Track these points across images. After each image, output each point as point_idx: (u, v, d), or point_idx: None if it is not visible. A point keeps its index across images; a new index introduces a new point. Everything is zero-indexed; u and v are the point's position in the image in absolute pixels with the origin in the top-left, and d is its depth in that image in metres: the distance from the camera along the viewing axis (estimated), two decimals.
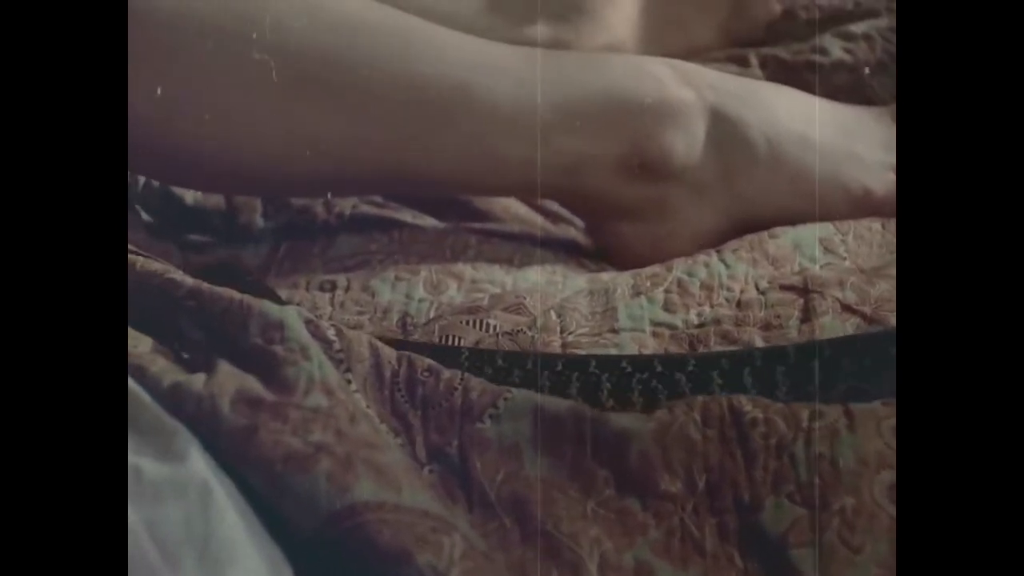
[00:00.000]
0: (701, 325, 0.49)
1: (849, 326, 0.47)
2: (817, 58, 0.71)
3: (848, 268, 0.52)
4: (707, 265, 0.53)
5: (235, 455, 0.39)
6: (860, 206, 0.58)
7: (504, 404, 0.42)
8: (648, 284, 0.51)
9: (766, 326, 0.48)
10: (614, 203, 0.59)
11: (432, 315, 0.53)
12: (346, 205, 0.65)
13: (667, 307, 0.50)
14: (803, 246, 0.54)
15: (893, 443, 0.40)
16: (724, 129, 0.58)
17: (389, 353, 0.44)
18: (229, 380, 0.41)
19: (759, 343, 0.47)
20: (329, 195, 0.64)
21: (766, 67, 0.73)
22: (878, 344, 0.44)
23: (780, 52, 0.73)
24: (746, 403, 0.41)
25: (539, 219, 0.66)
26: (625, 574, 0.39)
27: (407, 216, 0.64)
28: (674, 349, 0.48)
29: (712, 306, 0.50)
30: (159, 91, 0.53)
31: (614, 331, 0.49)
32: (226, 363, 0.42)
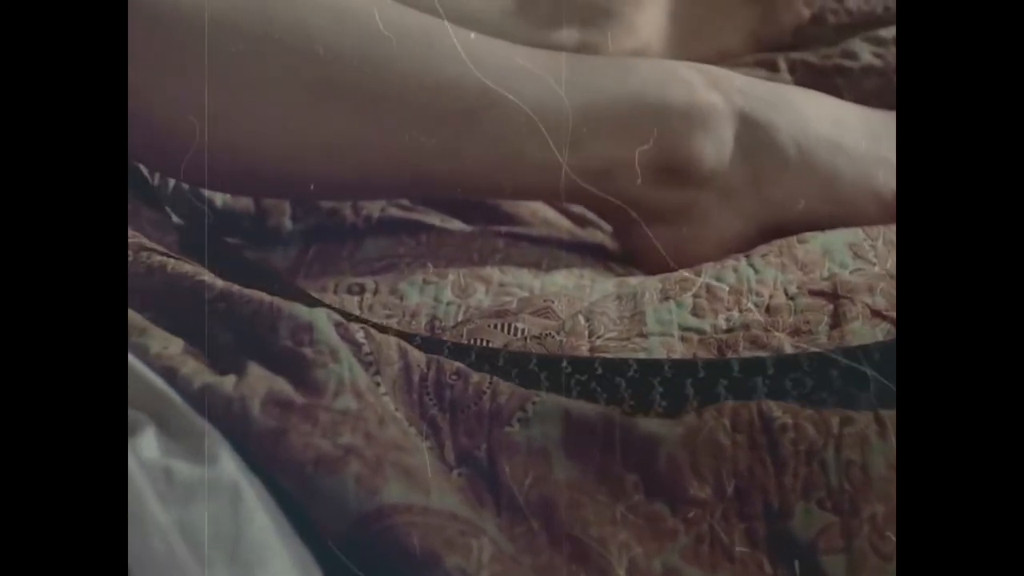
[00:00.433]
0: (730, 330, 0.49)
1: (879, 332, 0.47)
2: (846, 63, 0.71)
3: (878, 274, 0.52)
4: (736, 270, 0.52)
5: (265, 457, 0.39)
6: (890, 211, 0.58)
7: (533, 408, 0.42)
8: (677, 288, 0.51)
9: (795, 331, 0.48)
10: (642, 208, 0.59)
11: (460, 318, 0.53)
12: (374, 208, 0.65)
13: (696, 312, 0.50)
14: (833, 251, 0.54)
15: None
16: (753, 134, 0.58)
17: (418, 356, 0.44)
18: (259, 382, 0.41)
19: (788, 348, 0.47)
20: (357, 199, 0.64)
21: (795, 72, 0.73)
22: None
23: (809, 57, 0.73)
24: (776, 408, 0.41)
25: (566, 223, 0.66)
26: None
27: (435, 219, 0.64)
28: (703, 354, 0.48)
29: (741, 311, 0.50)
30: (187, 94, 0.53)
31: (643, 335, 0.49)
32: (256, 365, 0.42)
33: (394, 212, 0.65)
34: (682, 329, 0.49)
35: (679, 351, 0.48)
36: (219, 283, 0.46)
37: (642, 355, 0.48)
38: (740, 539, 0.40)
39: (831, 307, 0.48)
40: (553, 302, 0.52)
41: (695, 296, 0.51)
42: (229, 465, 0.38)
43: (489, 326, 0.50)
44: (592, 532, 0.40)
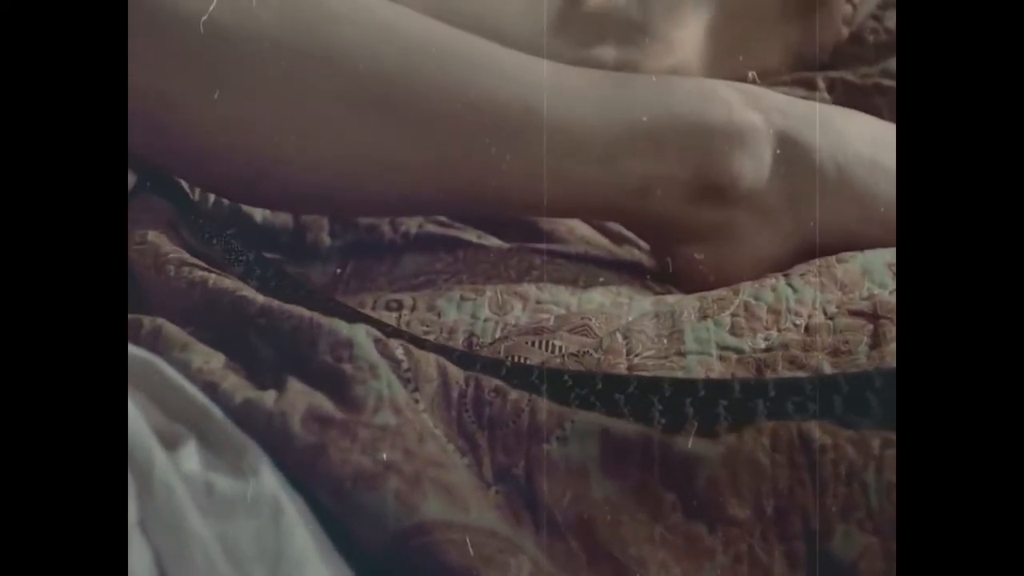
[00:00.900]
0: (768, 350, 0.49)
1: None
2: (885, 82, 0.71)
3: None
4: (774, 289, 0.52)
5: (305, 472, 0.40)
6: None
7: (571, 426, 0.42)
8: (715, 307, 0.51)
9: (835, 352, 0.48)
10: (679, 226, 0.59)
11: (498, 335, 0.53)
12: (412, 224, 0.65)
13: (734, 331, 0.50)
14: (872, 271, 0.54)
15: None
16: (792, 153, 0.58)
17: (456, 373, 0.44)
18: (299, 397, 0.41)
19: (827, 369, 0.46)
20: (396, 215, 0.64)
21: (834, 90, 0.72)
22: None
23: (848, 75, 0.73)
24: (816, 429, 0.41)
25: (604, 240, 0.66)
26: None
27: (472, 236, 0.64)
28: (741, 373, 0.48)
29: (779, 331, 0.50)
30: (223, 108, 0.54)
31: (680, 354, 0.49)
32: (296, 380, 0.42)
33: (431, 228, 0.65)
34: (720, 348, 0.49)
35: (717, 370, 0.48)
36: (260, 298, 0.46)
37: (680, 374, 0.48)
38: (779, 560, 0.39)
39: (871, 327, 0.48)
40: (591, 320, 0.52)
41: (733, 315, 0.51)
42: (270, 480, 0.39)
43: (527, 343, 0.50)
44: (631, 551, 0.40)
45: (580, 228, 0.66)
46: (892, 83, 0.70)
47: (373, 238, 0.65)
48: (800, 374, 0.46)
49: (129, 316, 0.46)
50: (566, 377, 0.45)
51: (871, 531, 0.39)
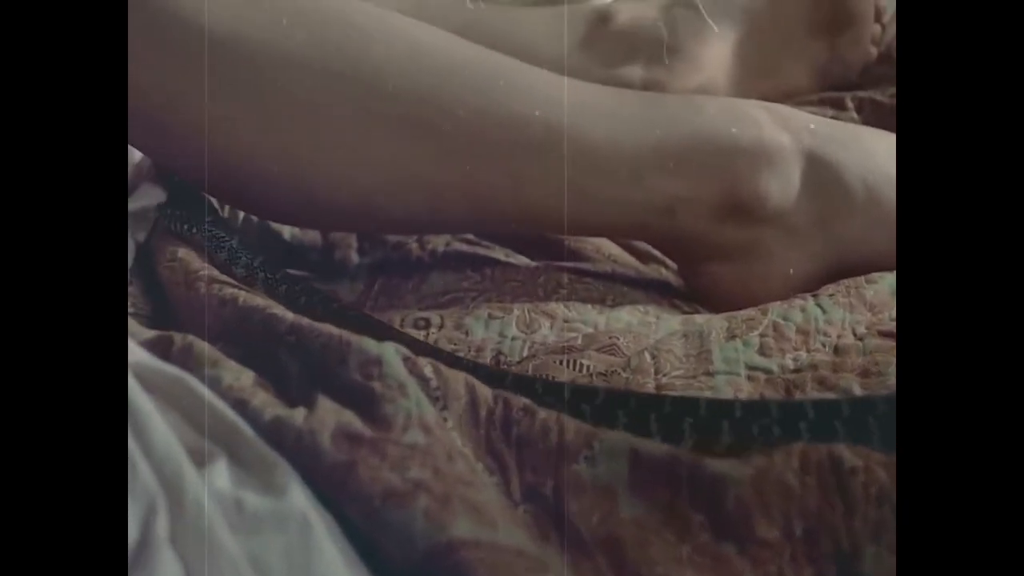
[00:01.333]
0: (797, 370, 0.49)
1: None
2: None
3: None
4: (803, 309, 0.52)
5: (334, 489, 0.40)
6: None
7: (599, 445, 0.42)
8: (743, 327, 0.51)
9: (864, 373, 0.47)
10: (707, 245, 0.59)
11: (526, 354, 0.53)
12: (439, 242, 0.65)
13: (762, 351, 0.50)
14: None
15: None
16: (821, 173, 0.58)
17: (485, 392, 0.44)
18: (329, 415, 0.41)
19: (857, 390, 0.46)
20: (424, 233, 0.64)
21: (862, 110, 0.72)
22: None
23: (876, 95, 0.73)
24: (845, 451, 0.41)
25: (631, 259, 0.66)
26: None
27: (499, 254, 0.64)
28: (770, 394, 0.48)
29: (809, 351, 0.50)
30: (251, 125, 0.54)
31: (709, 374, 0.49)
32: (326, 398, 0.42)
33: (459, 246, 0.65)
34: (749, 368, 0.49)
35: (746, 391, 0.48)
36: (290, 316, 0.47)
37: (708, 394, 0.48)
38: None
39: None
40: (618, 339, 0.52)
41: (762, 335, 0.51)
42: (299, 497, 0.39)
43: (555, 362, 0.50)
44: (659, 571, 0.39)
45: (607, 247, 0.67)
46: None
47: (401, 256, 0.65)
48: (830, 395, 0.46)
49: (160, 333, 0.47)
50: (599, 395, 0.45)
51: None
